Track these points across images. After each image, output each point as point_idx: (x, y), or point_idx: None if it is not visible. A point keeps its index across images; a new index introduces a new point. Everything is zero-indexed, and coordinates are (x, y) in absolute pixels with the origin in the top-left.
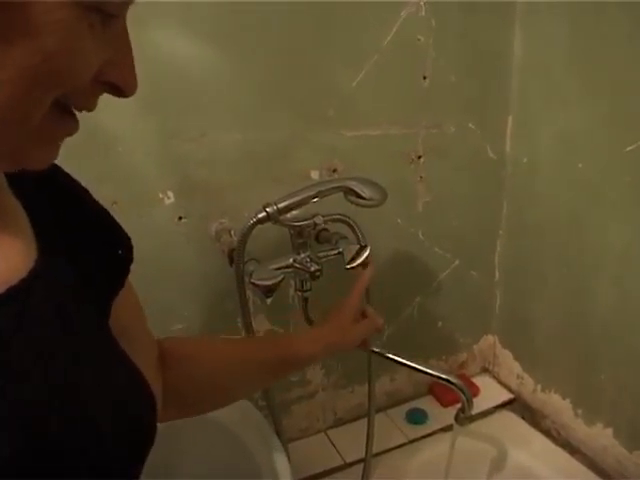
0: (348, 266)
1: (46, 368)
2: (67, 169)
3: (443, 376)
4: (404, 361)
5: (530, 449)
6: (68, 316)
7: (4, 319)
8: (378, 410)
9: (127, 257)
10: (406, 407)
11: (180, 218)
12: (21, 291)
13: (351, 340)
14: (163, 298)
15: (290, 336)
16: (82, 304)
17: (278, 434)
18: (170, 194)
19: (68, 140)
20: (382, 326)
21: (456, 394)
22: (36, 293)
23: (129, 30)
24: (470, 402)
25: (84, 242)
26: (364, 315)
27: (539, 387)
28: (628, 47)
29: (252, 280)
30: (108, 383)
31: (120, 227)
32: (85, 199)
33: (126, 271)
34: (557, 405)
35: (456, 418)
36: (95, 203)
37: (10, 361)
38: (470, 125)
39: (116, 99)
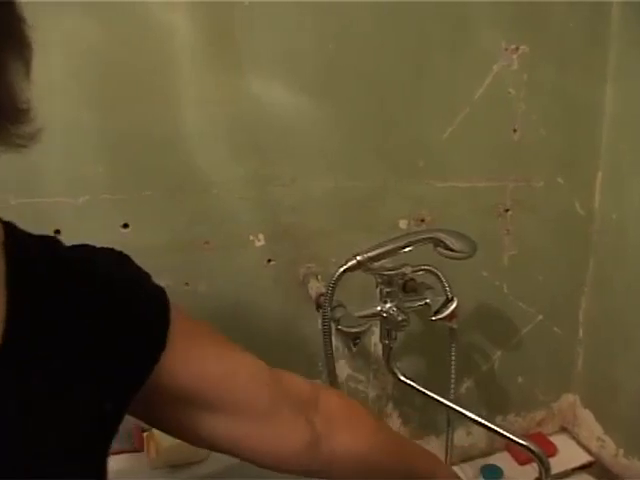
0: (434, 318)
1: None
2: (163, 209)
3: (523, 442)
4: (483, 421)
5: None
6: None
7: None
8: (453, 463)
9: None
10: (481, 462)
11: (269, 261)
12: None
13: None
14: (247, 337)
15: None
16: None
17: None
18: (261, 237)
19: (166, 181)
20: None
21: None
22: None
23: (229, 77)
24: (548, 472)
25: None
26: None
27: (621, 452)
28: None
29: (340, 326)
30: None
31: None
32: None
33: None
34: None
35: None
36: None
37: None
38: (559, 180)
39: (210, 143)
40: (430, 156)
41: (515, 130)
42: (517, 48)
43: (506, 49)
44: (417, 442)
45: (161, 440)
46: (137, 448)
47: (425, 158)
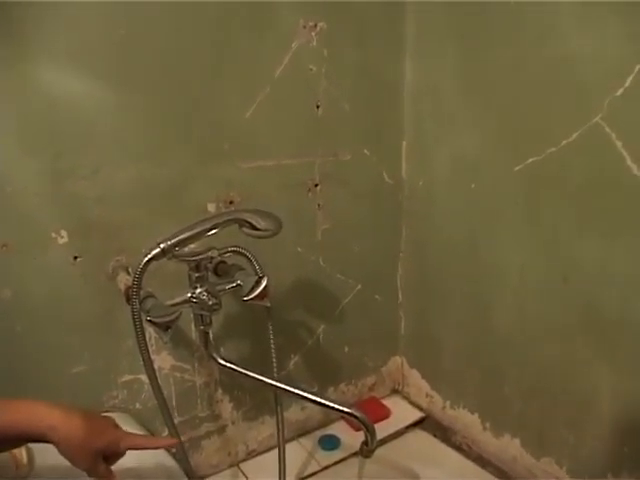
0: (245, 298)
1: None
2: None
3: (346, 410)
4: (306, 394)
5: (443, 466)
6: None
7: None
8: (291, 439)
9: None
10: (318, 434)
11: (75, 258)
12: None
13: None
14: (61, 340)
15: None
16: None
17: (187, 473)
18: (64, 233)
19: None
20: None
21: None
22: None
23: (15, 66)
24: (373, 435)
25: None
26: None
27: (448, 404)
28: (512, 72)
29: (148, 318)
30: None
31: None
32: None
33: None
34: (466, 420)
35: (360, 451)
36: None
37: None
38: (365, 152)
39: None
40: (234, 137)
41: (318, 106)
42: (315, 25)
43: (304, 26)
44: (251, 424)
45: None
46: None
47: (229, 140)
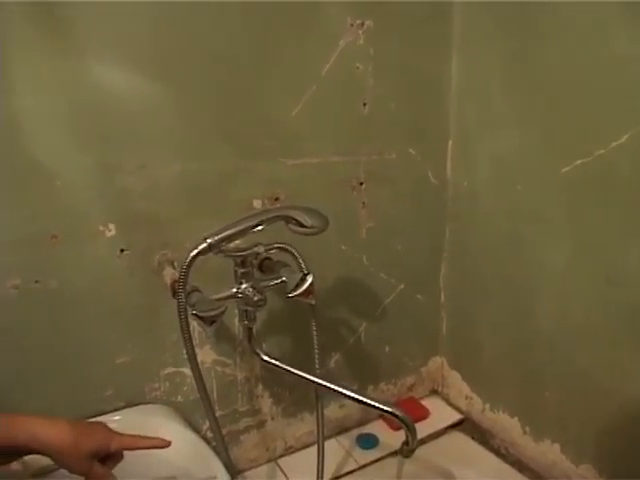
0: (290, 295)
1: None
2: (4, 204)
3: (387, 409)
4: (347, 392)
5: (480, 469)
6: None
7: None
8: (329, 437)
9: None
10: (356, 432)
11: (122, 250)
12: None
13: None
14: (106, 331)
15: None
16: None
17: (226, 466)
18: (111, 227)
19: (5, 174)
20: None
21: None
22: None
23: (66, 63)
24: (414, 435)
25: None
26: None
27: (487, 406)
28: (559, 72)
29: (194, 312)
30: None
31: None
32: None
33: None
34: (506, 424)
35: (400, 451)
36: None
37: None
38: (411, 151)
39: (51, 132)
40: (280, 134)
41: (365, 104)
42: (362, 23)
43: (352, 25)
44: (290, 420)
45: None
46: None
47: (275, 137)
